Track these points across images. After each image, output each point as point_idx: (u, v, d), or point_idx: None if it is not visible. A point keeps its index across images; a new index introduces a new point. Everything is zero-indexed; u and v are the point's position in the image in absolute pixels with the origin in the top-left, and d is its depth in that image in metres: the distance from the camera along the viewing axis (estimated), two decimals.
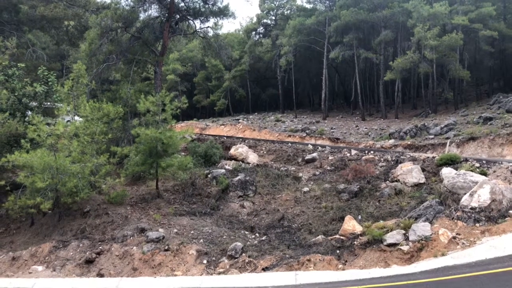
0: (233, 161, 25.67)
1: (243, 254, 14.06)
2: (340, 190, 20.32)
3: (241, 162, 25.48)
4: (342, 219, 15.75)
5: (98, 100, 20.41)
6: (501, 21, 48.20)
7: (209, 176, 22.60)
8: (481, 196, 12.60)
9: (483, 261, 9.33)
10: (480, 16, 44.55)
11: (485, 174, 17.17)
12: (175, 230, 16.75)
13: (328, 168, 24.01)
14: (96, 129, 18.90)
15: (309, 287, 9.63)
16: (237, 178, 22.02)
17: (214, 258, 14.38)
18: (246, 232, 17.46)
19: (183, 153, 24.79)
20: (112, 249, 15.37)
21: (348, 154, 25.77)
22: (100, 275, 14.16)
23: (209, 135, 33.08)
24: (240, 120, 53.37)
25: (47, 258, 15.47)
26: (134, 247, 15.29)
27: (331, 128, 45.90)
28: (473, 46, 48.89)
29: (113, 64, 27.66)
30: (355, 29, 51.73)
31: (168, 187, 21.63)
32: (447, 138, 33.45)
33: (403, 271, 9.95)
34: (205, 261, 14.19)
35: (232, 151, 26.57)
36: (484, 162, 19.81)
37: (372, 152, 26.36)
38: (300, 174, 23.53)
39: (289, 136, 42.56)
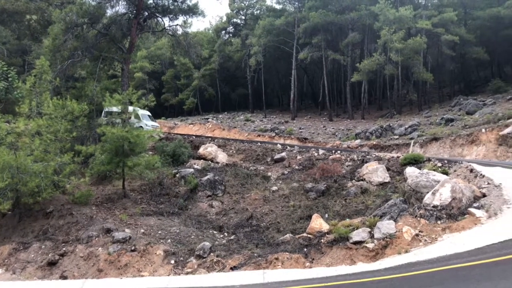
0: (202, 160, 25.51)
1: (211, 254, 14.00)
2: (308, 189, 20.55)
3: (210, 162, 25.35)
4: (309, 217, 15.93)
5: (62, 98, 19.78)
6: (462, 27, 50.12)
7: (177, 175, 22.37)
8: (442, 195, 13.03)
9: (444, 257, 9.66)
10: (442, 21, 46.17)
11: (446, 173, 17.78)
12: (142, 230, 16.48)
13: (297, 167, 24.24)
14: (60, 127, 18.32)
15: (276, 285, 9.70)
16: (206, 178, 21.90)
17: (182, 258, 14.24)
18: (215, 232, 17.40)
19: (150, 152, 24.42)
20: (76, 250, 14.97)
21: (316, 154, 26.11)
22: (63, 277, 13.76)
23: (177, 134, 32.74)
24: (209, 119, 53.14)
25: (6, 260, 14.89)
26: (100, 248, 14.94)
27: (300, 128, 46.38)
28: (436, 49, 50.58)
29: (79, 60, 26.92)
30: (324, 30, 52.50)
31: (135, 187, 21.26)
32: (411, 139, 34.48)
33: (368, 268, 10.17)
34: (172, 261, 14.04)
35: (201, 150, 26.40)
36: (445, 161, 20.51)
37: (339, 151, 26.81)
38: (269, 174, 23.66)
39: (259, 135, 42.71)
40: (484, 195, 13.94)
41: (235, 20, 69.50)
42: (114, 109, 39.72)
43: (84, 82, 27.20)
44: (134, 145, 19.12)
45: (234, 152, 27.94)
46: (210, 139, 30.68)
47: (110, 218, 17.78)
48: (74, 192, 18.97)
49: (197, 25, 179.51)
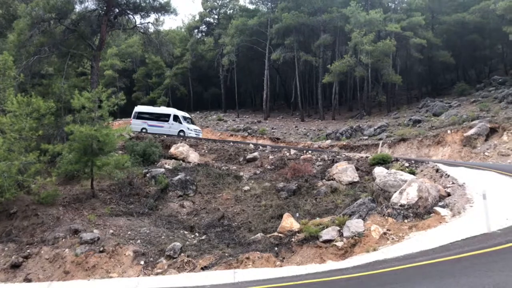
0: (173, 160, 25.25)
1: (182, 254, 13.89)
2: (280, 189, 20.68)
3: (181, 161, 25.12)
4: (281, 217, 16.04)
5: (27, 95, 19.14)
6: (429, 31, 51.59)
7: (147, 175, 22.06)
8: (409, 194, 13.38)
9: (410, 255, 9.91)
10: (411, 24, 47.36)
11: (413, 173, 18.27)
12: (111, 231, 16.17)
13: (269, 167, 24.35)
14: (25, 125, 17.72)
15: (247, 284, 9.71)
16: (177, 178, 21.70)
17: (151, 259, 14.07)
18: (186, 232, 17.26)
19: (120, 152, 23.99)
20: (42, 252, 14.54)
21: (288, 154, 26.31)
22: (28, 280, 13.34)
23: (148, 133, 32.24)
24: None
25: None
26: (67, 250, 14.57)
27: (272, 128, 46.60)
28: (405, 52, 51.83)
29: (45, 57, 26.10)
30: (296, 32, 52.95)
31: (104, 187, 20.82)
32: (380, 139, 35.26)
33: (338, 266, 10.33)
34: (142, 262, 13.85)
35: (173, 150, 26.13)
36: (413, 162, 21.05)
37: (310, 151, 27.10)
38: (241, 173, 23.67)
39: (231, 135, 42.67)
40: (449, 194, 14.41)
41: (208, 19, 69.16)
42: (151, 109, 38.11)
43: (51, 79, 26.39)
44: (103, 144, 18.72)
45: (206, 151, 27.79)
46: (181, 138, 30.40)
47: (78, 218, 17.36)
48: (40, 192, 18.38)
49: (170, 23, 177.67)
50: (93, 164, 18.73)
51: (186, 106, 66.67)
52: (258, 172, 23.96)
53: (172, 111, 37.34)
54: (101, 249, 14.49)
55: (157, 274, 12.78)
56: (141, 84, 66.95)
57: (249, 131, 44.07)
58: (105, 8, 28.49)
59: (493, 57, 56.67)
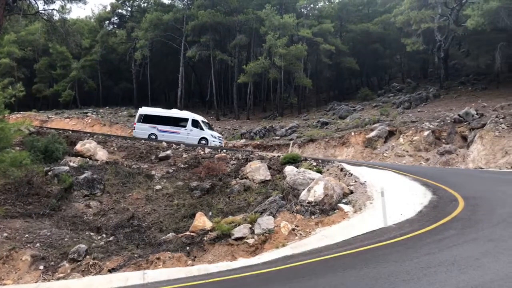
0: (79, 157, 23.71)
1: (87, 257, 13.13)
2: (193, 188, 20.52)
3: (88, 159, 23.70)
4: (193, 216, 15.91)
5: None
6: (338, 38, 54.80)
7: (49, 173, 20.45)
8: (316, 191, 14.09)
9: (316, 249, 10.44)
10: (321, 31, 49.89)
11: (320, 172, 19.24)
12: (6, 234, 14.75)
13: (182, 165, 24.02)
14: None
15: (157, 285, 9.49)
16: (83, 176, 20.44)
17: (53, 263, 13.10)
18: (92, 233, 16.35)
19: (18, 148, 21.96)
20: None
21: (202, 152, 26.19)
22: None
23: (51, 128, 29.92)
24: (88, 114, 49.75)
25: None
26: None
27: None
28: (315, 57, 54.44)
29: None
30: (212, 30, 52.93)
31: None
32: (291, 139, 36.67)
33: (248, 263, 10.53)
34: (41, 267, 12.84)
35: (78, 146, 24.55)
36: (320, 161, 22.18)
37: (224, 150, 27.26)
38: (153, 172, 23.04)
39: None
40: (351, 192, 15.45)
41: (120, 10, 66.26)
42: (162, 112, 32.52)
43: None
44: None
45: (116, 149, 26.58)
46: (89, 135, 28.70)
47: None
48: None
49: (78, 12, 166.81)
50: None
51: (94, 100, 63.24)
52: (171, 171, 23.51)
53: (190, 115, 33.21)
54: None
55: (58, 278, 11.92)
56: (43, 75, 61.79)
57: None
58: None
59: (393, 66, 62.01)
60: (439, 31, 44.93)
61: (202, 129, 31.56)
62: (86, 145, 24.62)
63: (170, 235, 14.63)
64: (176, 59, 56.58)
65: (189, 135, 31.09)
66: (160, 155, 25.43)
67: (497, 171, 23.59)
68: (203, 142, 30.59)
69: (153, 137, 30.92)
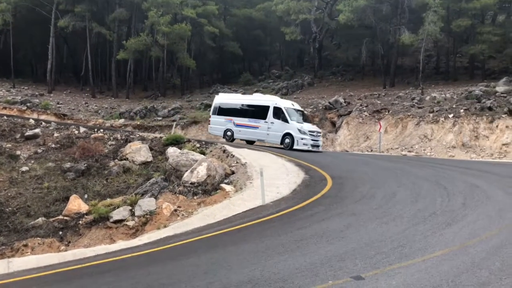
0: None
1: None
2: (66, 169, 19.13)
3: None
4: (67, 199, 14.92)
5: None
6: (222, 21, 55.14)
7: None
8: (199, 173, 14.27)
9: (198, 229, 10.65)
10: (205, 12, 49.67)
11: (203, 153, 19.46)
12: None
13: (53, 145, 22.15)
14: None
15: (25, 273, 8.73)
16: None
17: None
18: None
19: None
20: None
21: (76, 132, 24.45)
22: None
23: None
24: None
25: None
26: None
27: (58, 103, 42.54)
28: (199, 39, 54.00)
29: None
30: (89, 0, 48.95)
31: None
32: (174, 121, 36.25)
33: (128, 245, 10.28)
34: None
35: None
36: (203, 143, 22.39)
37: (101, 130, 25.85)
38: (18, 152, 20.84)
39: (5, 108, 37.12)
40: (233, 172, 16.00)
41: None
42: (238, 98, 24.38)
43: None
44: None
45: None
46: None
47: None
48: None
49: None
50: None
51: None
52: (40, 151, 21.52)
53: (272, 100, 24.62)
54: None
55: None
56: None
57: (28, 104, 38.86)
58: None
59: (273, 53, 64.70)
60: (315, 23, 48.22)
61: (286, 120, 23.02)
62: None
63: (40, 220, 13.53)
64: (46, 28, 50.91)
65: (270, 130, 23.56)
66: (27, 133, 23.08)
67: (360, 153, 26.62)
68: (287, 140, 22.74)
69: (229, 134, 25.08)
